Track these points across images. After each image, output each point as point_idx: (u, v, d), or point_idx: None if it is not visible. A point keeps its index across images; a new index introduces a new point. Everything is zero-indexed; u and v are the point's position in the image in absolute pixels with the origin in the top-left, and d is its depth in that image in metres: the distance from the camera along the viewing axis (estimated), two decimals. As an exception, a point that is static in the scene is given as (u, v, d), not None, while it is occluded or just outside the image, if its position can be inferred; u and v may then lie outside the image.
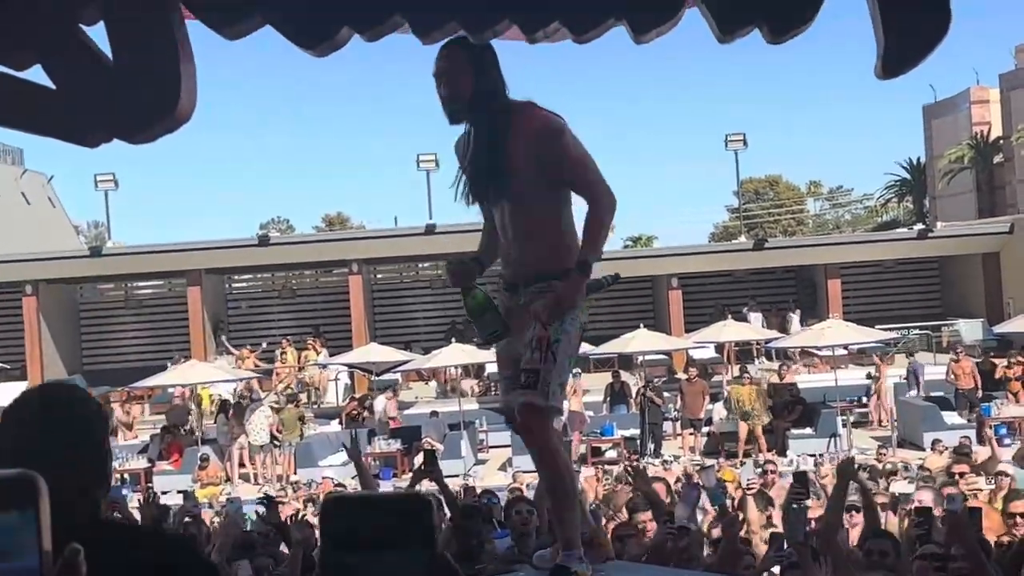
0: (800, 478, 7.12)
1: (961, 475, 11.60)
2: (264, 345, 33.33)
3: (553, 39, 3.59)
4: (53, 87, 3.41)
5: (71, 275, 34.42)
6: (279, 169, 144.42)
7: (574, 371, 25.63)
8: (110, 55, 3.38)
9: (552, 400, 4.50)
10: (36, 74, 3.46)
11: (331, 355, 31.12)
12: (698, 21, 3.64)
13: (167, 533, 2.63)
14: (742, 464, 22.26)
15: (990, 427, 23.74)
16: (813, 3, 3.42)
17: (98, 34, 3.45)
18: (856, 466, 6.76)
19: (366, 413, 27.24)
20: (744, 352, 31.52)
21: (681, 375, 26.64)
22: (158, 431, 26.58)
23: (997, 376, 25.43)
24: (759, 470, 16.21)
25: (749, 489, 9.33)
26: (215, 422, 26.42)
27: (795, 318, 32.75)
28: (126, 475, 24.63)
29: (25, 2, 3.39)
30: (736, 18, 3.41)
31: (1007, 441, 23.17)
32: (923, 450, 22.19)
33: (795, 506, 7.10)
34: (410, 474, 23.28)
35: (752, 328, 30.21)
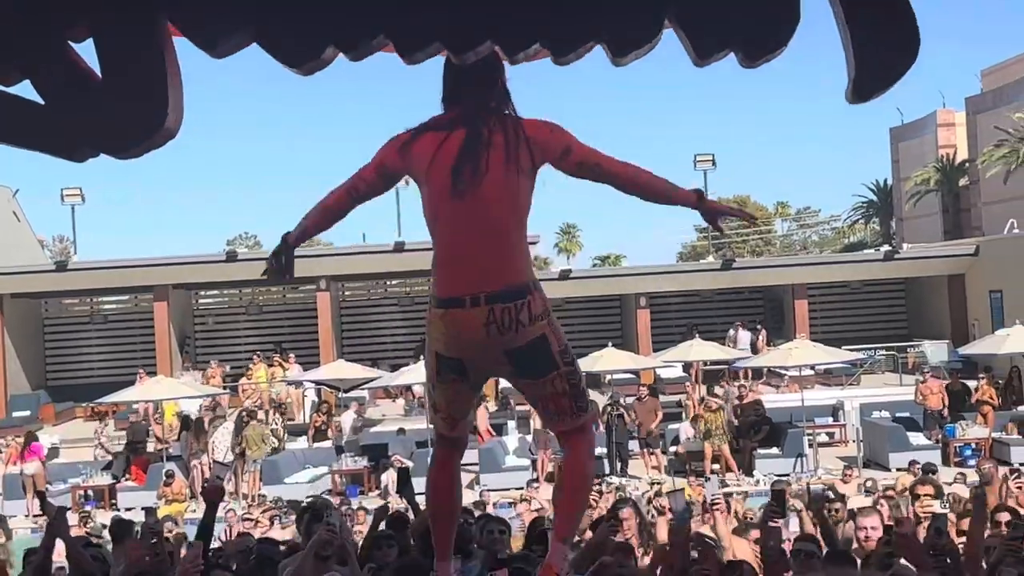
0: (777, 496, 7.22)
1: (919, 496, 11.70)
2: (227, 368, 33.19)
3: (533, 60, 3.65)
4: (41, 102, 3.44)
5: (36, 289, 34.20)
6: (247, 185, 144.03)
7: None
8: (99, 72, 3.42)
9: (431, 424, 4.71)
10: (24, 90, 3.49)
11: (303, 371, 31.01)
12: (672, 42, 3.70)
13: None
14: (707, 480, 22.39)
15: (954, 448, 24.01)
16: (787, 29, 3.50)
17: (87, 51, 3.49)
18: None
19: (332, 427, 27.18)
20: (712, 372, 31.62)
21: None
22: (122, 448, 26.44)
23: (975, 399, 25.63)
24: (724, 489, 16.42)
25: (715, 505, 9.42)
26: (178, 438, 26.27)
27: (742, 336, 32.93)
28: (90, 492, 24.51)
29: (13, 19, 3.42)
30: (712, 43, 3.50)
31: (971, 462, 23.38)
32: (888, 470, 22.34)
33: (770, 524, 7.19)
34: (377, 492, 23.42)
35: (719, 348, 30.31)
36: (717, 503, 9.25)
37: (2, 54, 3.43)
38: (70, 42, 3.48)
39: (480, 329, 4.14)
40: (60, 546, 7.71)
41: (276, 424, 27.00)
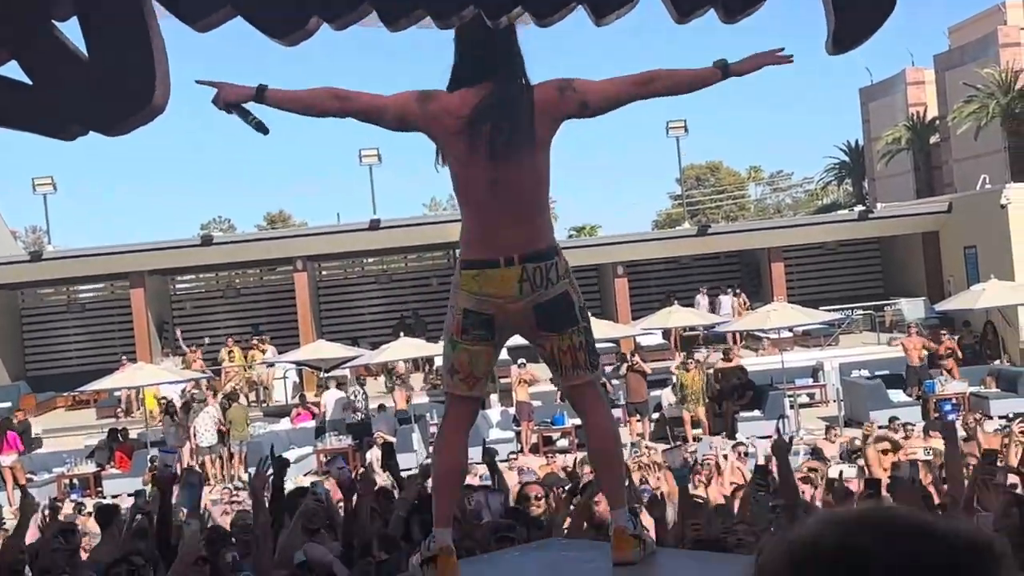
0: (760, 472, 7.34)
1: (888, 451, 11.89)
2: (207, 341, 33.12)
3: (515, 22, 3.66)
4: (30, 83, 3.42)
5: (11, 280, 34.01)
6: (218, 168, 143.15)
7: (519, 361, 25.80)
8: (84, 50, 3.41)
9: (445, 386, 4.77)
10: (12, 71, 3.47)
11: (278, 353, 30.99)
12: (650, 5, 3.72)
13: None
14: (697, 440, 22.60)
15: (934, 403, 24.19)
16: (766, -16, 3.52)
17: (72, 29, 3.47)
18: None
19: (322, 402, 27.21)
20: (692, 338, 31.75)
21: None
22: (105, 435, 26.39)
23: (938, 353, 25.85)
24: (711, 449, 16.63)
25: (704, 465, 9.62)
26: (161, 424, 26.23)
27: (724, 301, 33.04)
28: (75, 480, 24.47)
29: (-2, 0, 3.40)
30: (692, 0, 3.51)
31: (951, 416, 23.56)
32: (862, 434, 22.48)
33: (759, 495, 7.30)
34: (362, 469, 23.39)
35: (698, 314, 30.42)
36: (708, 463, 9.42)
37: (-11, 35, 3.41)
38: (55, 21, 3.46)
39: (514, 286, 4.43)
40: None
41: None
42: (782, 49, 4.20)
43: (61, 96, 3.46)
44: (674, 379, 25.81)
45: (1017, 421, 11.58)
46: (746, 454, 16.70)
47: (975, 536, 1.22)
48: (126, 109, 3.48)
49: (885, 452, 11.63)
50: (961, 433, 14.79)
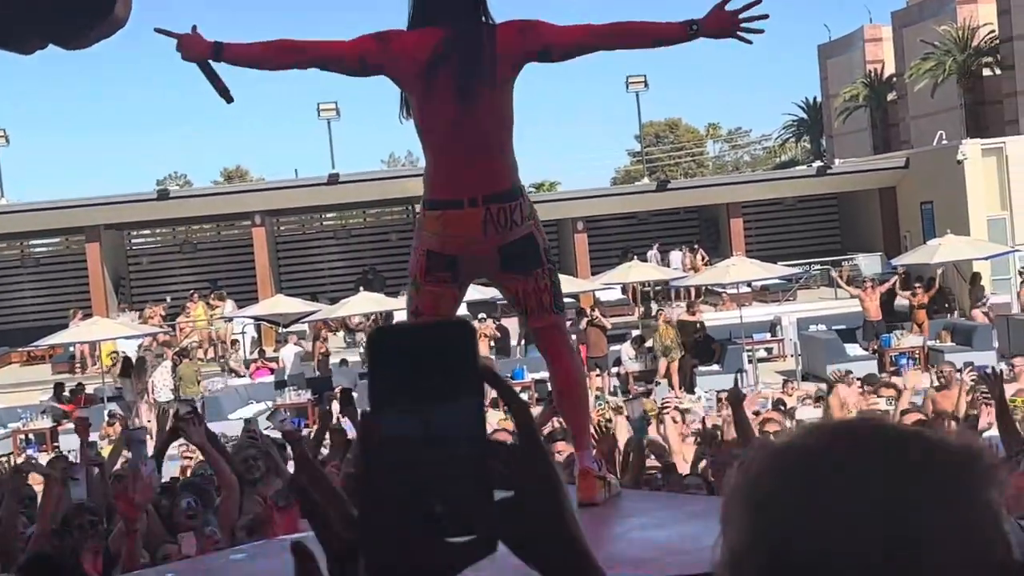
0: (707, 436, 7.50)
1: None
2: (168, 300, 32.94)
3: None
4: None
5: (-36, 235, 33.67)
6: (174, 123, 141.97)
7: (479, 316, 25.76)
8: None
9: None
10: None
11: (237, 308, 30.87)
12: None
13: None
14: (656, 384, 22.80)
15: (890, 357, 24.40)
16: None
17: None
18: None
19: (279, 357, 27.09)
20: (645, 294, 31.87)
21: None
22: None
23: (907, 302, 26.05)
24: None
25: (664, 410, 9.69)
26: (115, 379, 26.09)
27: (674, 257, 33.17)
28: (31, 435, 24.29)
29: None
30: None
31: (905, 366, 23.79)
32: (826, 382, 22.64)
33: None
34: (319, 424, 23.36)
35: (658, 269, 30.50)
36: (667, 408, 9.49)
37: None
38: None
39: (478, 227, 4.35)
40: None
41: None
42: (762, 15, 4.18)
43: (18, 7, 3.36)
44: (635, 333, 25.88)
45: (967, 371, 11.72)
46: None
47: (962, 442, 1.20)
48: (86, 21, 3.38)
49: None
50: (935, 383, 15.03)
